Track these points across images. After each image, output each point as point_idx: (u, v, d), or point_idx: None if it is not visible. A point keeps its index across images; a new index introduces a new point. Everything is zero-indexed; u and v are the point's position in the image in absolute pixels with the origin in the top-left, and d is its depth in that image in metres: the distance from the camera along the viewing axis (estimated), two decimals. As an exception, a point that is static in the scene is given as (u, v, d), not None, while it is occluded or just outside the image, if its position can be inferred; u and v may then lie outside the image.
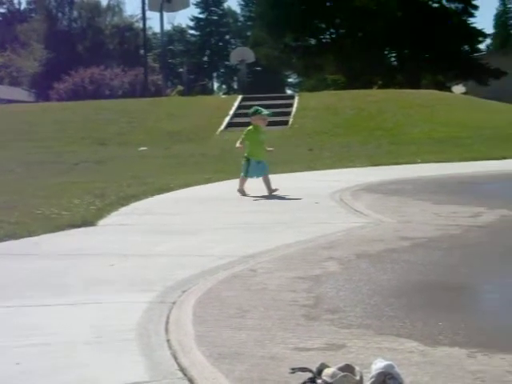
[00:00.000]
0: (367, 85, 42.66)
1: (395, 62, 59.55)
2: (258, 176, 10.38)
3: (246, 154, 10.49)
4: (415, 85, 40.81)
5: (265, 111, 10.58)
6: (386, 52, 58.80)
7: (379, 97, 27.13)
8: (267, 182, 10.29)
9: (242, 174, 10.45)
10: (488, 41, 78.22)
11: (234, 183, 11.82)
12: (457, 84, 59.33)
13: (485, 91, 46.57)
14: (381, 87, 46.50)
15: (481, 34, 58.18)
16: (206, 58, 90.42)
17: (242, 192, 10.25)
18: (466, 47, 58.42)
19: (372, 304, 4.32)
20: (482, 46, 67.64)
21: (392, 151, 18.06)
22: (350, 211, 8.32)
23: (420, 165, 14.56)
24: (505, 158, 15.41)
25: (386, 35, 51.51)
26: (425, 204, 8.91)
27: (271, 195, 10.01)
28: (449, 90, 50.57)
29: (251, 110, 10.71)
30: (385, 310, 4.18)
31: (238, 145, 10.41)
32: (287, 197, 9.84)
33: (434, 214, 8.07)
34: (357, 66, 52.37)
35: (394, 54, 59.89)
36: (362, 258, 5.64)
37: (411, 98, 27.11)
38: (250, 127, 10.61)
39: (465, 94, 45.81)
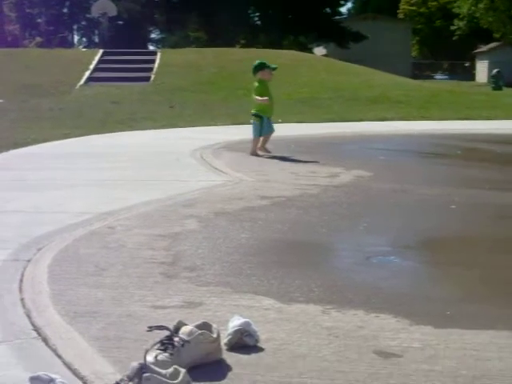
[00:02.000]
0: (230, 43, 42.57)
1: (259, 22, 59.69)
2: (266, 133, 9.82)
3: (254, 112, 9.86)
4: (277, 45, 41.07)
5: (272, 65, 10.03)
6: (249, 12, 58.80)
7: (241, 56, 27.05)
8: (266, 141, 9.89)
9: (255, 134, 9.81)
10: (349, 5, 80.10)
11: (93, 139, 11.60)
12: (318, 46, 60.42)
13: (346, 54, 47.68)
14: (243, 46, 46.56)
15: (342, -2, 59.40)
16: (66, 10, 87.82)
17: (256, 153, 9.67)
18: (328, 10, 59.23)
19: (230, 262, 4.32)
20: (343, 10, 69.21)
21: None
22: (210, 169, 8.27)
23: (281, 125, 14.55)
24: (362, 119, 15.78)
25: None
26: (284, 163, 8.98)
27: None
28: (310, 51, 51.16)
29: (255, 64, 10.01)
30: (243, 268, 4.18)
31: (260, 98, 9.70)
32: (147, 153, 9.72)
33: (293, 173, 8.10)
34: (220, 24, 52.17)
35: (257, 14, 59.99)
36: (221, 216, 5.61)
37: (273, 57, 27.16)
38: (256, 83, 9.95)
39: (325, 56, 46.72)
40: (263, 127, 9.72)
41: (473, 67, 63.71)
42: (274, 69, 10.01)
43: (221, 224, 5.35)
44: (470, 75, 60.65)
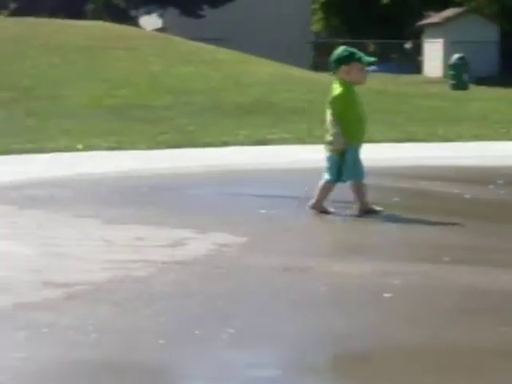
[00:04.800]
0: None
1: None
2: (360, 177, 6.76)
3: (332, 138, 6.81)
4: (74, 12, 28.99)
5: (367, 57, 6.97)
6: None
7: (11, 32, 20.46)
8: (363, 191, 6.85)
9: (328, 177, 6.79)
10: None
11: None
12: (147, 14, 40.40)
13: (198, 28, 34.07)
14: (13, 14, 31.52)
15: None
16: None
17: (322, 208, 6.83)
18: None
19: None
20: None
21: (32, 129, 12.62)
22: None
23: (82, 154, 10.57)
24: (227, 143, 11.66)
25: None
26: (91, 223, 6.70)
27: None
28: (134, 23, 35.56)
29: (339, 53, 6.81)
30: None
31: (336, 143, 6.63)
32: None
33: (106, 241, 6.10)
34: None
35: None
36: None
37: (64, 33, 20.25)
38: (337, 87, 6.73)
39: (161, 31, 33.51)
40: (345, 166, 6.73)
41: (418, 50, 42.06)
42: (372, 63, 7.19)
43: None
44: (413, 64, 41.20)
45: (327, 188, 6.82)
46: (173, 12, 37.27)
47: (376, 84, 24.17)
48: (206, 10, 36.57)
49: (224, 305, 4.58)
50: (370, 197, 7.13)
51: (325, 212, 6.81)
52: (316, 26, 51.23)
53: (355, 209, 6.81)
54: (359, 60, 6.75)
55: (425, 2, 43.19)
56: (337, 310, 4.59)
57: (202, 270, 5.30)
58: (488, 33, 37.98)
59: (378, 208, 6.83)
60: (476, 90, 25.13)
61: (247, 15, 39.12)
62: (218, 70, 19.15)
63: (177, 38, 23.61)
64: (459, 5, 40.21)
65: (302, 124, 13.51)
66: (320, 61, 40.35)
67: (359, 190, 6.78)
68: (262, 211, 7.24)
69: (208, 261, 5.55)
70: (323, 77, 23.18)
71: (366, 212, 6.73)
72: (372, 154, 10.24)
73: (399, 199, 7.40)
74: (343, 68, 6.70)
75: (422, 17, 42.52)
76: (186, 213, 7.38)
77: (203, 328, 4.17)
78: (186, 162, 10.02)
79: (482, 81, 29.07)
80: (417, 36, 42.46)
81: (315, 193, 6.82)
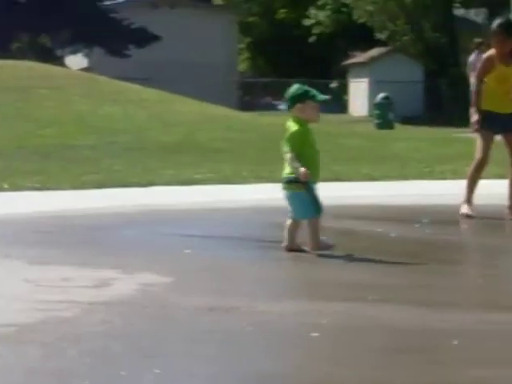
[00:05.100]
0: None
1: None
2: (319, 212, 6.60)
3: (288, 175, 6.60)
4: (1, 51, 28.45)
5: (320, 95, 6.77)
6: None
7: None
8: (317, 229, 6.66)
9: (312, 214, 6.56)
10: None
11: None
12: (73, 53, 39.43)
13: (123, 68, 33.68)
14: None
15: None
16: None
17: (324, 246, 6.62)
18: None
19: None
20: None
21: None
22: None
23: (7, 193, 10.21)
24: (153, 183, 11.21)
25: None
26: (15, 264, 6.49)
27: None
28: (60, 62, 35.09)
29: (294, 91, 6.71)
30: None
31: (301, 169, 6.40)
32: None
33: (30, 281, 5.91)
34: None
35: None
36: None
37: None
38: (293, 125, 6.63)
39: (87, 70, 32.19)
40: (316, 200, 6.56)
41: (343, 89, 42.39)
42: (325, 101, 6.96)
43: None
44: (338, 103, 39.90)
45: (314, 223, 6.60)
46: (98, 51, 36.57)
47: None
48: (132, 50, 36.24)
49: (149, 345, 4.45)
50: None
51: (327, 247, 6.60)
52: (243, 65, 51.38)
53: (309, 246, 6.61)
54: (313, 98, 6.68)
55: (350, 41, 43.23)
56: (262, 350, 4.45)
57: (128, 310, 5.16)
58: (413, 72, 38.19)
59: (305, 248, 6.69)
60: (401, 130, 24.96)
61: (174, 55, 38.75)
62: (143, 110, 18.87)
63: (103, 78, 23.20)
64: (384, 44, 40.35)
65: (227, 163, 13.18)
66: (247, 100, 41.95)
67: (315, 227, 6.60)
68: (187, 251, 6.99)
69: (133, 301, 5.40)
70: (248, 116, 23.29)
71: (315, 249, 6.59)
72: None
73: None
74: (298, 106, 6.62)
75: (347, 56, 42.60)
76: (111, 253, 7.12)
77: (129, 369, 4.06)
78: (112, 201, 9.61)
79: (407, 120, 29.30)
80: (342, 75, 42.74)
81: (309, 237, 6.59)
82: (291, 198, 6.58)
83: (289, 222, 6.62)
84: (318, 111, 6.75)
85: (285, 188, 6.64)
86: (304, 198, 6.49)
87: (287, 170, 6.59)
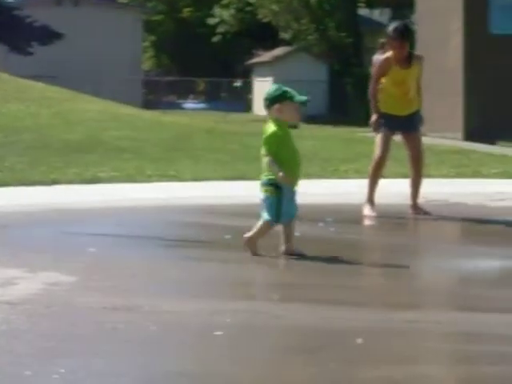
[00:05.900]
0: None
1: None
2: (288, 218, 6.40)
3: (267, 178, 6.44)
4: None
5: (299, 96, 6.51)
6: None
7: None
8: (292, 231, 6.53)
9: (268, 217, 6.38)
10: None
11: None
12: None
13: (26, 65, 33.08)
14: None
15: None
16: None
17: (252, 250, 6.41)
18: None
19: None
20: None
21: None
22: None
23: None
24: (56, 181, 11.02)
25: None
26: None
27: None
28: None
29: (272, 92, 6.53)
30: None
31: (279, 174, 6.27)
32: None
33: None
34: None
35: None
36: None
37: None
38: (272, 126, 6.48)
39: None
40: (282, 206, 6.38)
41: (248, 89, 42.21)
42: (304, 102, 6.56)
43: None
44: (243, 102, 41.01)
45: (265, 227, 6.46)
46: (1, 49, 35.31)
47: (206, 122, 23.93)
48: (37, 48, 35.19)
49: (54, 345, 4.34)
50: (196, 235, 6.91)
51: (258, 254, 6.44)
52: (147, 64, 51.04)
53: (245, 239, 6.45)
54: (291, 99, 6.49)
55: (255, 40, 43.30)
56: (166, 348, 4.37)
57: (31, 309, 5.02)
58: (317, 72, 38.33)
59: (304, 253, 6.55)
60: (306, 129, 24.54)
61: (78, 53, 38.58)
62: (46, 108, 18.55)
63: (5, 76, 22.59)
64: (289, 44, 40.47)
65: (131, 162, 13.03)
66: (151, 99, 41.61)
67: (264, 230, 6.45)
68: (92, 250, 6.85)
69: (37, 300, 5.26)
70: (151, 114, 22.96)
71: (245, 244, 6.47)
72: (202, 192, 10.14)
73: (230, 237, 7.09)
74: (276, 107, 6.46)
75: (252, 55, 42.63)
76: (15, 252, 6.92)
77: (33, 369, 3.96)
78: (16, 200, 9.41)
79: (311, 119, 29.11)
80: (247, 74, 42.62)
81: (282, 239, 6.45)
82: (265, 201, 6.45)
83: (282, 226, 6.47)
84: (297, 112, 6.60)
85: (262, 190, 6.50)
86: (273, 202, 6.36)
87: (266, 173, 6.48)
